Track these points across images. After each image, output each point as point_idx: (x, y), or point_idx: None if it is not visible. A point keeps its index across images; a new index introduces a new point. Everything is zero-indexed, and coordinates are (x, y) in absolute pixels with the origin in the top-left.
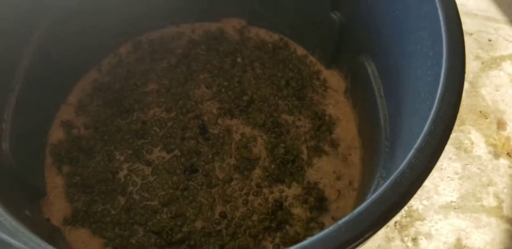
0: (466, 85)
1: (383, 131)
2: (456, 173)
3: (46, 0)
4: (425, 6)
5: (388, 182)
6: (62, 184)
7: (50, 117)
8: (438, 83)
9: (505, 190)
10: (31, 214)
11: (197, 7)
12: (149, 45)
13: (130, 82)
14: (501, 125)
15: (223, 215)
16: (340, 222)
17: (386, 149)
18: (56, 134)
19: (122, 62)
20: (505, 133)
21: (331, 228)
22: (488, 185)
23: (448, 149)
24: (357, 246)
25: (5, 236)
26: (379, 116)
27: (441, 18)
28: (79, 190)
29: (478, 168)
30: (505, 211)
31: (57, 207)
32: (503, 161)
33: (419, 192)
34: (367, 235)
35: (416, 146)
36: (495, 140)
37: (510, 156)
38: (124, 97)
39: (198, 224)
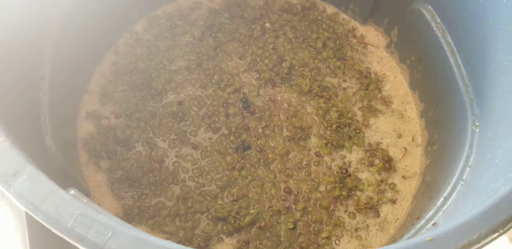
0: None
1: (457, 76)
2: None
3: None
4: None
5: None
6: (105, 181)
7: (75, 109)
8: None
9: None
10: None
11: None
12: (166, 20)
13: (154, 61)
14: None
15: (288, 191)
16: None
17: (469, 95)
18: (85, 127)
19: (140, 40)
20: None
21: None
22: None
23: None
24: None
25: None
26: (449, 63)
27: None
28: (124, 185)
29: None
30: None
31: (105, 206)
32: None
33: None
34: None
35: None
36: None
37: None
38: (152, 79)
39: (264, 204)
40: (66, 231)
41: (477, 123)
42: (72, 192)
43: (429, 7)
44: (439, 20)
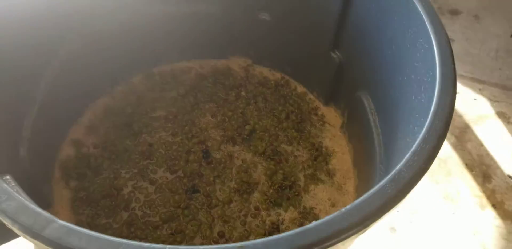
0: (453, 139)
1: (377, 156)
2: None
3: (66, 31)
4: (421, 44)
5: (387, 177)
6: (69, 197)
7: (63, 135)
8: (431, 104)
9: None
10: None
11: (207, 46)
12: (160, 77)
13: (140, 108)
14: (486, 177)
15: (221, 234)
16: (344, 209)
17: (381, 172)
18: (66, 151)
19: (134, 90)
20: (490, 186)
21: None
22: (474, 234)
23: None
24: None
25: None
26: (375, 144)
27: (435, 50)
28: (84, 204)
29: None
30: None
31: (61, 217)
32: (489, 212)
33: None
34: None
35: (412, 149)
36: (480, 191)
37: (495, 207)
38: (134, 121)
39: (197, 241)
40: None
41: None
42: (7, 177)
43: (368, 95)
44: (372, 107)
